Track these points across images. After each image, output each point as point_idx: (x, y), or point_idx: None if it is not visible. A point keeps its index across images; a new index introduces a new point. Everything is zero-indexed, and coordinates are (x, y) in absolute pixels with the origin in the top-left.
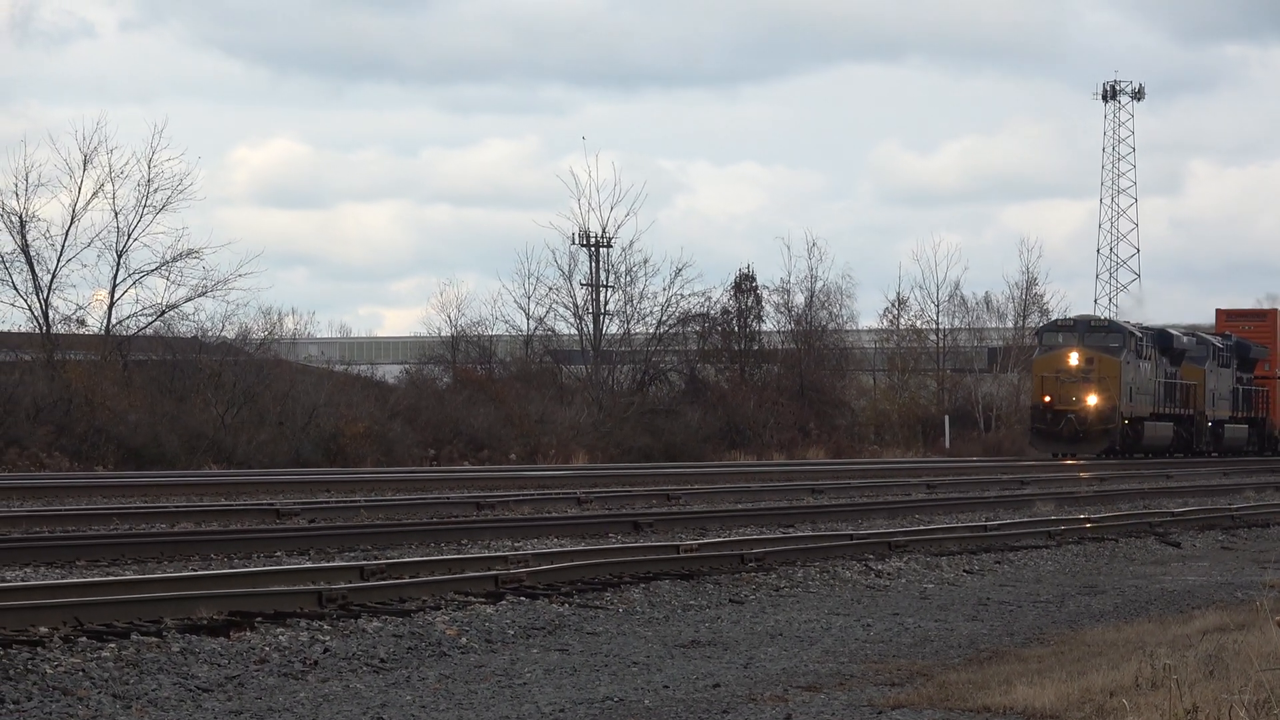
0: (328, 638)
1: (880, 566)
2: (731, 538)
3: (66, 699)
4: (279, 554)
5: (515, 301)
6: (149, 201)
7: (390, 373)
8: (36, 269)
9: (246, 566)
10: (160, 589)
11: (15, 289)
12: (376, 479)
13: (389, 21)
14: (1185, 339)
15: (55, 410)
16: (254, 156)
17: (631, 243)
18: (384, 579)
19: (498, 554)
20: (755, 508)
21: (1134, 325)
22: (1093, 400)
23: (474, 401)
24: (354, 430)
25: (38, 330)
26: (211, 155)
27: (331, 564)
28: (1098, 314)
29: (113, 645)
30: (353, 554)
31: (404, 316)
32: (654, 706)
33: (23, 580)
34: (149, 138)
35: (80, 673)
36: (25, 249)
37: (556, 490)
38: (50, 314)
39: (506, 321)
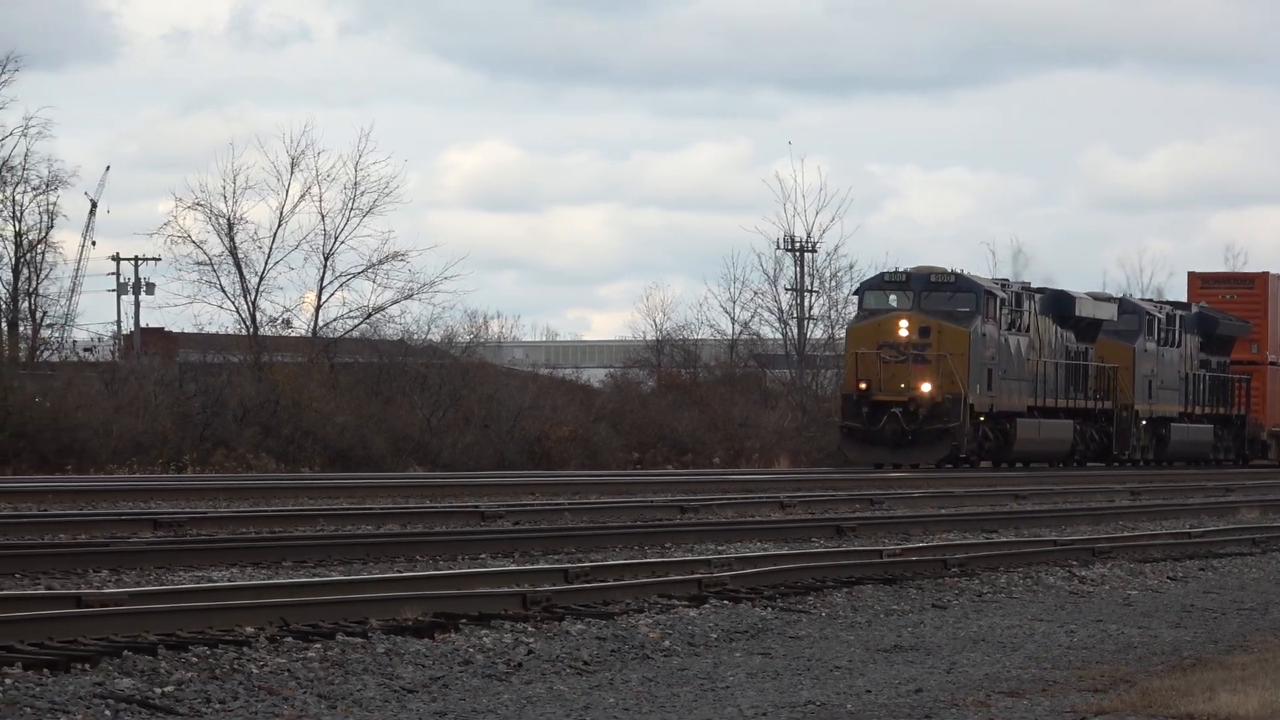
0: (532, 639)
1: (1083, 572)
2: (934, 543)
3: (272, 699)
4: (484, 556)
5: (720, 305)
6: (356, 204)
7: (595, 376)
8: (244, 271)
9: (451, 568)
10: (366, 590)
11: (223, 291)
12: (581, 482)
13: (603, 25)
14: (1099, 304)
15: (262, 412)
16: (465, 160)
17: (837, 247)
18: (588, 581)
19: (701, 557)
20: (958, 513)
21: (1000, 282)
22: (927, 387)
23: (678, 405)
24: (559, 433)
25: (245, 332)
26: (423, 159)
27: (536, 566)
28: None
29: (318, 645)
30: (557, 556)
31: (611, 320)
32: (856, 711)
33: (229, 580)
34: (356, 141)
35: (286, 673)
36: (233, 252)
37: (759, 494)
38: (257, 316)
39: (711, 325)
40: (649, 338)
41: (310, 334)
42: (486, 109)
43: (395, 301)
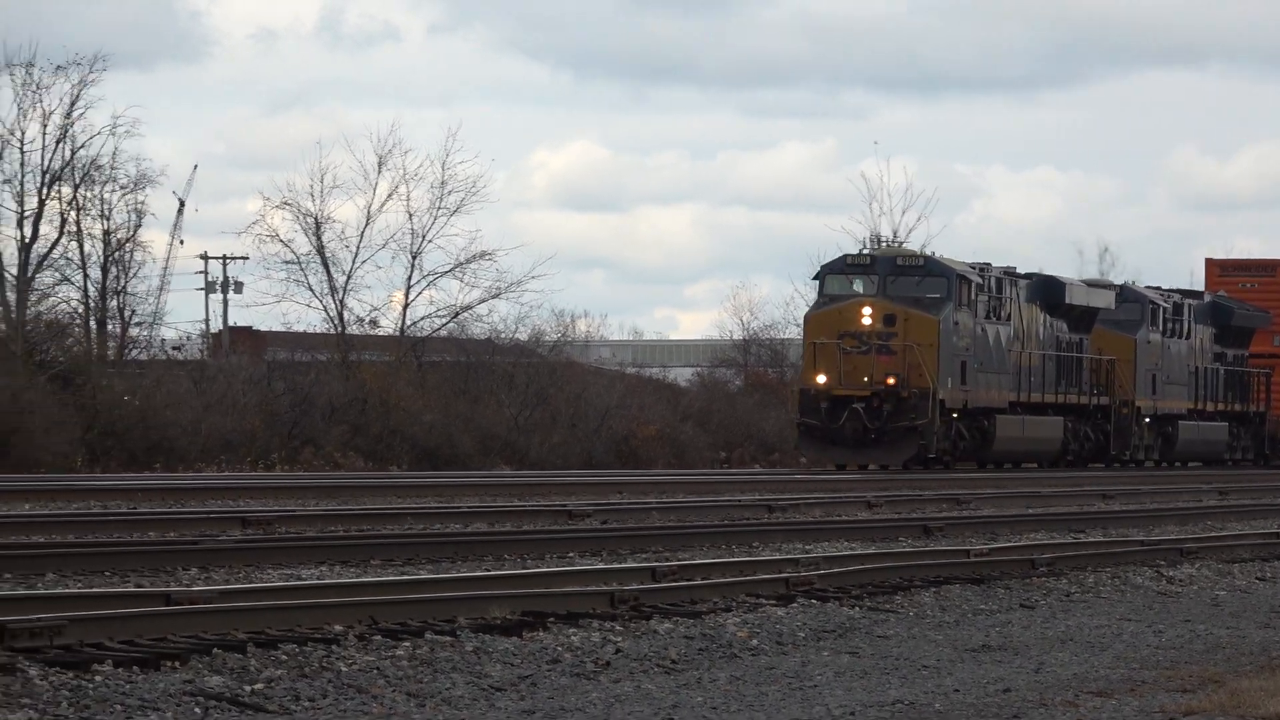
0: (619, 638)
1: (1171, 573)
2: (1021, 543)
3: (361, 696)
4: (571, 555)
5: (807, 304)
6: (443, 204)
7: (682, 375)
8: (332, 270)
9: (539, 567)
10: (454, 589)
11: (311, 290)
12: (668, 481)
13: (690, 25)
14: (1094, 291)
15: (350, 410)
16: (553, 160)
17: (923, 247)
18: (675, 580)
19: (788, 556)
20: (1045, 513)
21: (979, 266)
22: (891, 381)
23: (765, 404)
24: (646, 432)
25: (333, 331)
26: (511, 158)
27: (623, 565)
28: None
29: (407, 644)
30: (644, 555)
31: (698, 320)
32: (944, 710)
33: (318, 579)
34: (444, 140)
35: (375, 671)
36: (321, 251)
37: (847, 493)
38: (345, 315)
39: (798, 325)
40: (736, 337)
41: (398, 333)
42: (574, 109)
43: (483, 300)
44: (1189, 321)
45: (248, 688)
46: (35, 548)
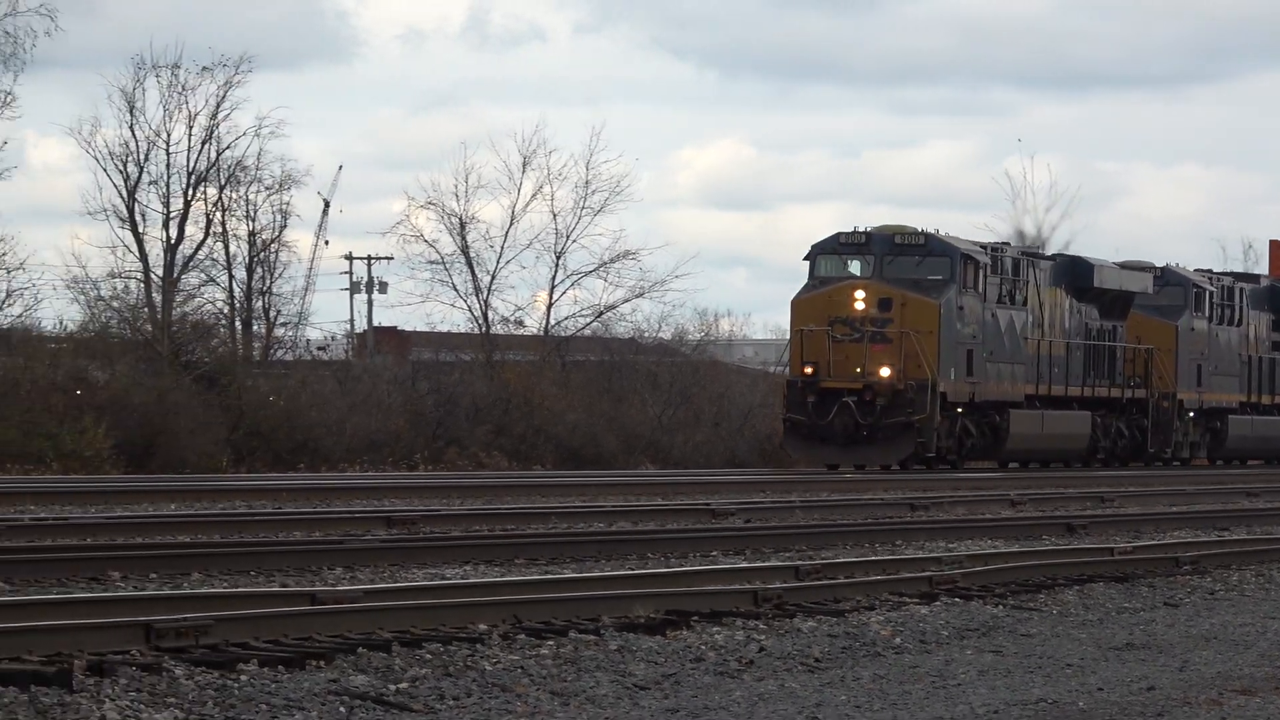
0: (763, 637)
1: None
2: (1165, 540)
3: (505, 695)
4: (715, 553)
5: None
6: (587, 203)
7: None
8: (476, 270)
9: (683, 566)
10: (598, 587)
11: (456, 290)
12: (811, 479)
13: (837, 23)
14: (1127, 273)
15: (494, 410)
16: (698, 158)
17: (1067, 244)
18: (819, 579)
19: (931, 555)
20: (1189, 510)
21: (992, 246)
22: (886, 371)
23: None
24: None
25: (477, 331)
26: (655, 157)
27: (767, 564)
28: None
29: (551, 643)
30: (788, 554)
31: None
32: (1088, 709)
33: (463, 578)
34: (588, 140)
35: (519, 669)
36: (465, 250)
37: (990, 492)
38: (489, 315)
39: None
40: None
41: (541, 332)
42: (719, 107)
43: (626, 300)
44: (1242, 307)
45: (392, 687)
46: (181, 547)
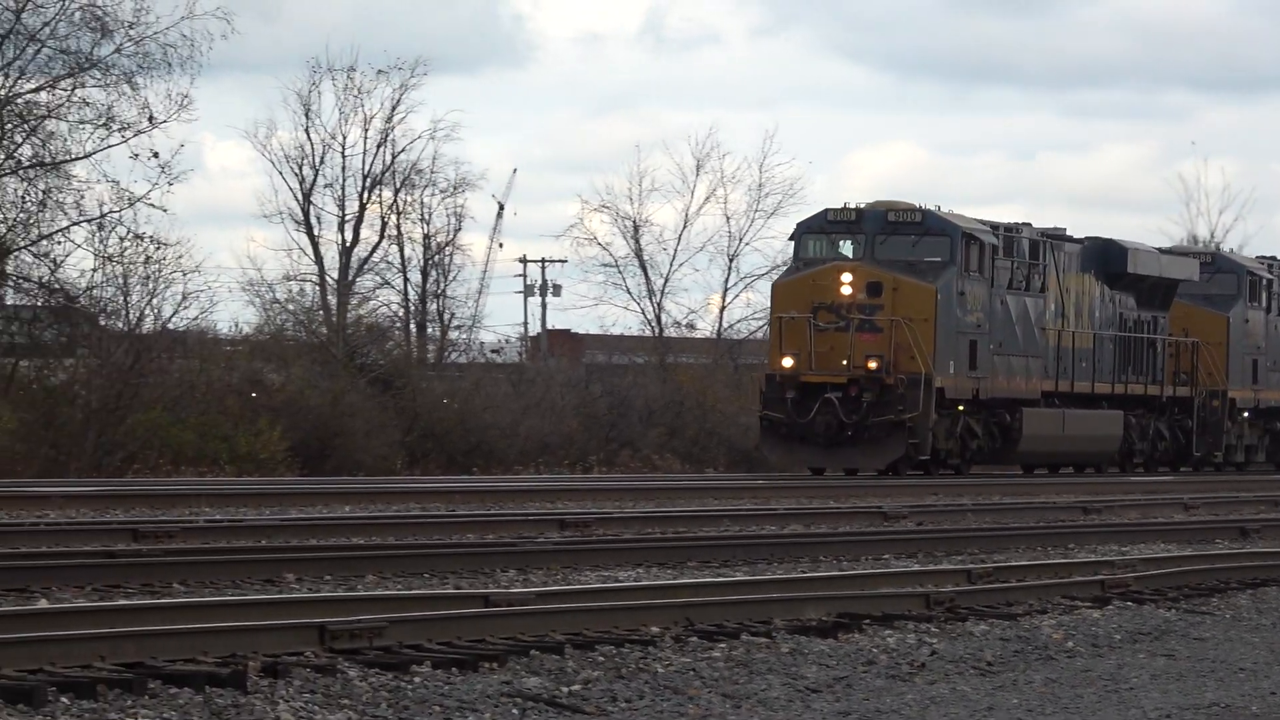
0: (935, 640)
1: None
2: None
3: (677, 698)
4: (886, 556)
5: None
6: (760, 206)
7: None
8: (649, 273)
9: (854, 569)
10: (770, 590)
11: (629, 293)
12: (983, 483)
13: (1014, 26)
14: (1168, 259)
15: (667, 413)
16: (872, 161)
17: (1240, 247)
18: (991, 582)
19: (1104, 558)
20: None
21: (1005, 227)
22: (874, 364)
23: None
24: None
25: (650, 334)
26: (829, 160)
27: (939, 567)
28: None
29: (723, 645)
30: (959, 557)
31: None
32: (1261, 713)
33: (635, 580)
34: (761, 143)
35: (691, 672)
36: (639, 253)
37: (1163, 495)
38: (662, 317)
39: None
40: None
41: (714, 335)
42: (895, 110)
43: None
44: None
45: (565, 689)
46: (356, 549)
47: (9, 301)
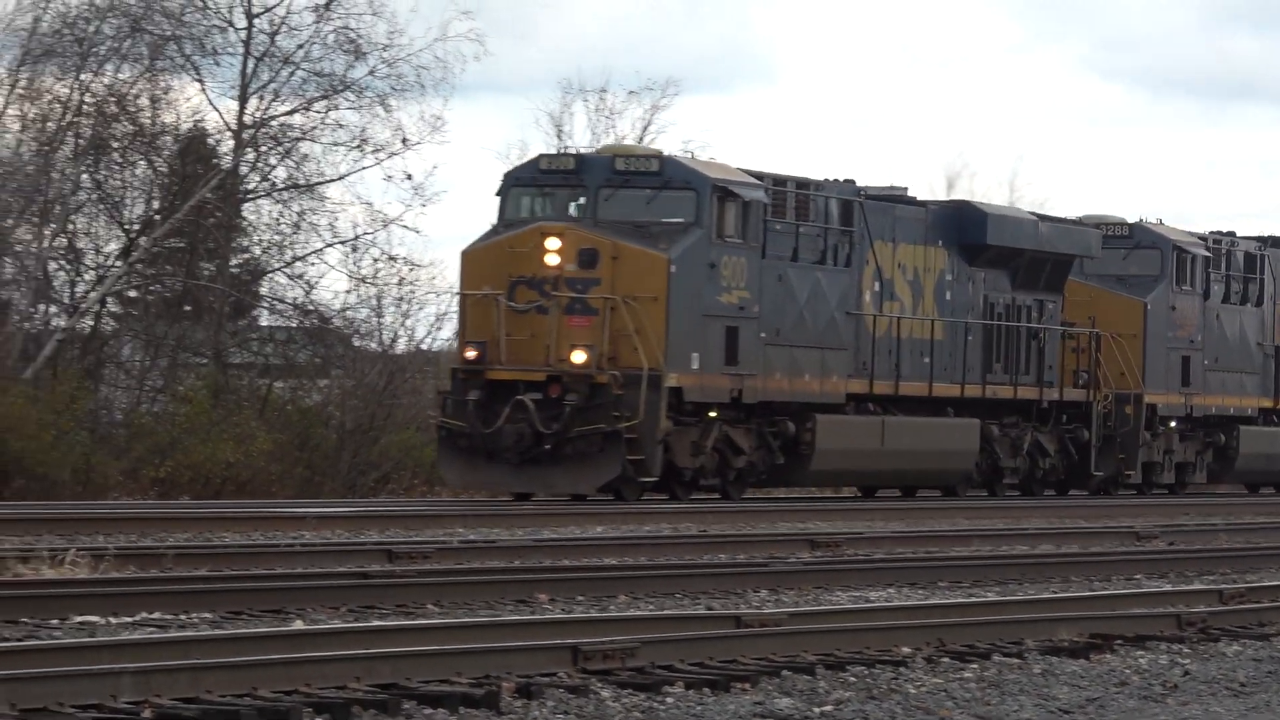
0: (1187, 661)
1: None
2: None
3: (928, 717)
4: (1138, 577)
5: None
6: None
7: None
8: None
9: (1105, 589)
10: (1021, 611)
11: None
12: (1236, 502)
13: (1269, 43)
14: (1047, 227)
15: None
16: (1120, 177)
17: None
18: (1243, 603)
19: None
20: None
21: (772, 177)
22: (581, 357)
23: None
24: None
25: None
26: (1077, 178)
27: (1190, 587)
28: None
29: (974, 666)
30: (1211, 577)
31: None
32: None
33: (886, 600)
34: (1012, 162)
35: (942, 692)
36: None
37: None
38: None
39: None
40: None
41: None
42: (1146, 128)
43: None
44: (1265, 281)
45: (816, 710)
46: (608, 570)
47: (263, 322)
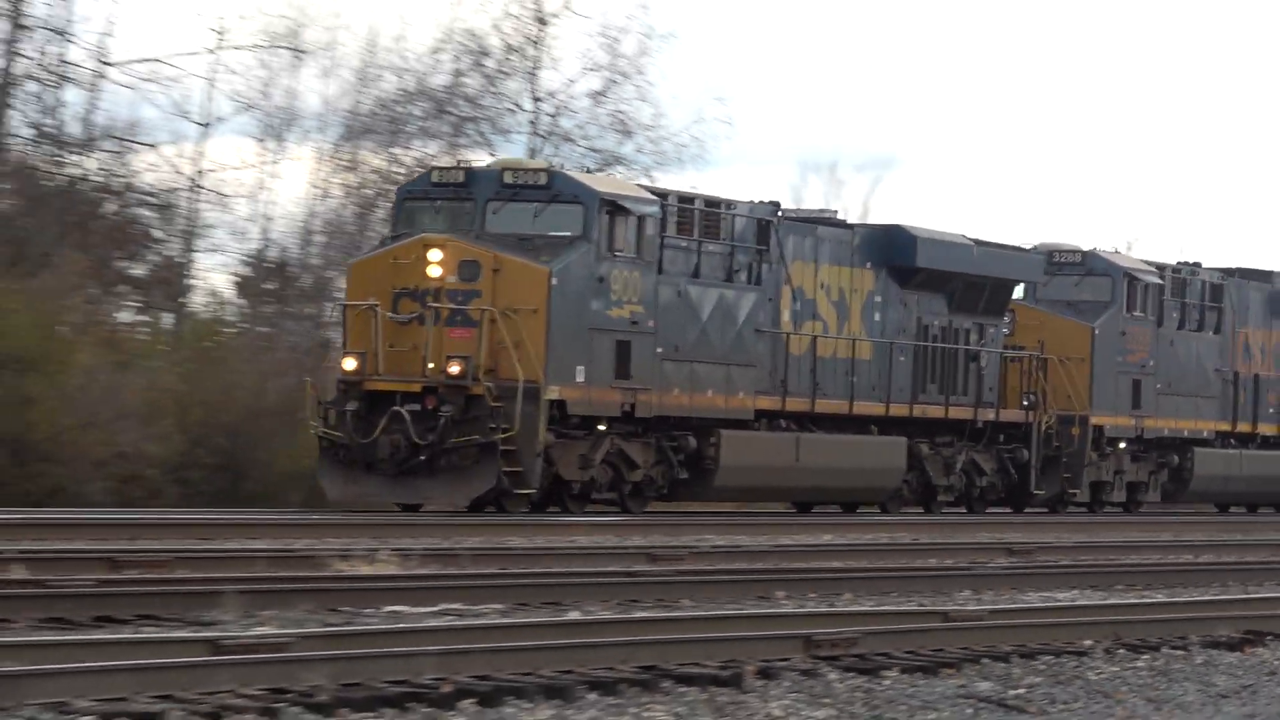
0: None
1: None
2: None
3: (1106, 701)
4: None
5: None
6: None
7: None
8: None
9: (1259, 592)
10: (1186, 610)
11: None
12: None
13: None
14: (998, 255)
15: None
16: None
17: None
18: None
19: None
20: None
21: (671, 194)
22: (457, 368)
23: None
24: None
25: None
26: None
27: None
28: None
29: (1146, 657)
30: None
31: None
32: None
33: (1071, 600)
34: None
35: (1118, 679)
36: None
37: None
38: None
39: None
40: None
41: None
42: None
43: None
44: (1233, 310)
45: (1011, 692)
46: (836, 572)
47: None
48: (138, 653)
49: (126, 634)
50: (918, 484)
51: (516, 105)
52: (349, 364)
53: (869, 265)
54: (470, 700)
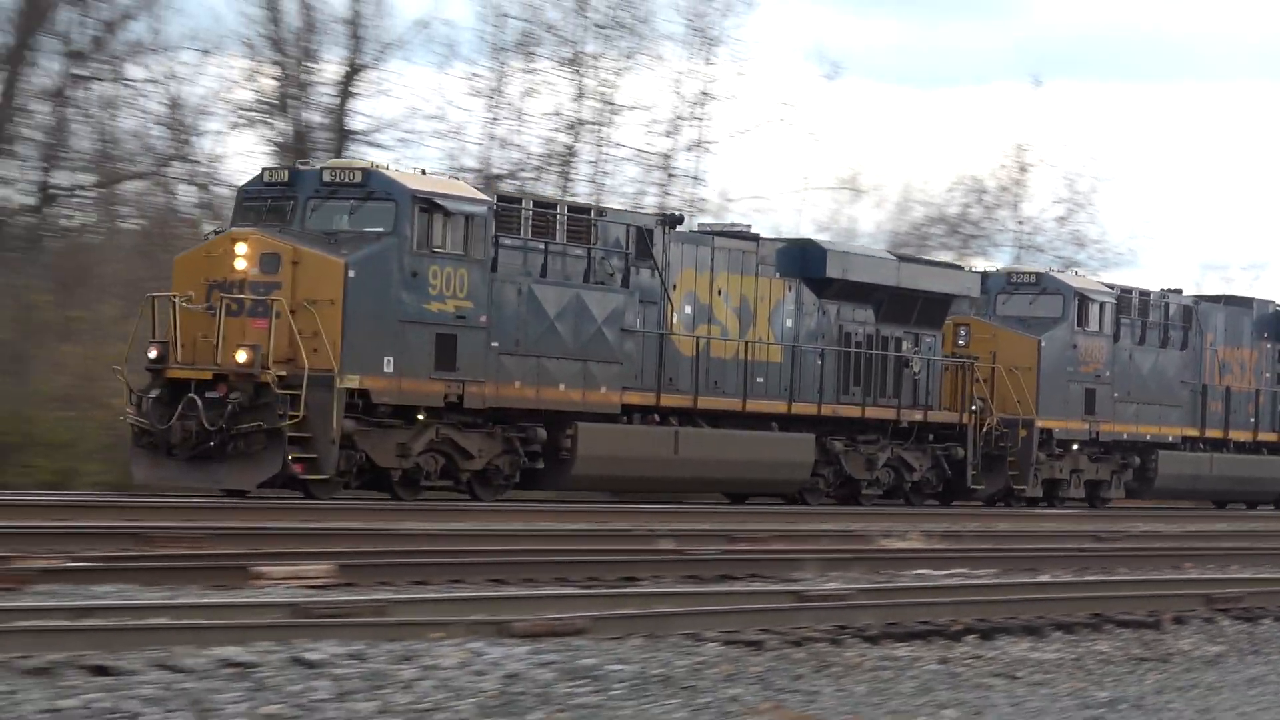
0: None
1: None
2: None
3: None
4: None
5: None
6: None
7: None
8: None
9: None
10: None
11: None
12: None
13: None
14: (925, 271)
15: None
16: None
17: None
18: None
19: None
20: None
21: (525, 198)
22: (244, 356)
23: None
24: None
25: None
26: None
27: None
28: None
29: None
30: None
31: None
32: None
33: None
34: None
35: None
36: None
37: None
38: None
39: None
40: None
41: None
42: None
43: None
44: (1200, 327)
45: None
46: (1227, 550)
47: None
48: (747, 600)
49: (738, 588)
50: (834, 478)
51: (1004, 227)
52: (151, 353)
53: (779, 275)
54: (973, 636)
